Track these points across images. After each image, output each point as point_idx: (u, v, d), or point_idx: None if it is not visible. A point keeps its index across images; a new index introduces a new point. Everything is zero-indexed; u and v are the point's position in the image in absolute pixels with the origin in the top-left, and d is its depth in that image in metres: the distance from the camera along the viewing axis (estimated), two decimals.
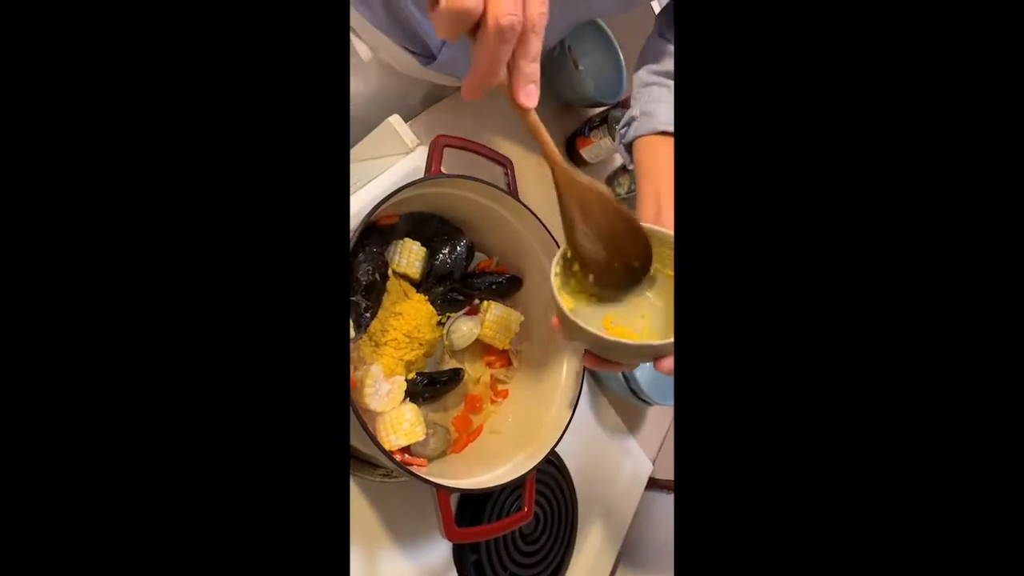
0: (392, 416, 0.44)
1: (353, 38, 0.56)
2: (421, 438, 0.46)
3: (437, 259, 0.51)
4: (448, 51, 0.53)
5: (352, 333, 0.45)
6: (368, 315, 0.46)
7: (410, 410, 0.45)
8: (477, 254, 0.55)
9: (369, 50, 0.57)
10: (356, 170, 0.58)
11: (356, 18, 0.54)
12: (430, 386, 0.50)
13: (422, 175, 0.45)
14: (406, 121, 0.56)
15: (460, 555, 0.52)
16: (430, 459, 0.48)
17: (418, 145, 0.56)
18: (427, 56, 0.54)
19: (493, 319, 0.52)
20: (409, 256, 0.49)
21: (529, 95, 0.33)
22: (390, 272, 0.49)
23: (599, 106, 0.74)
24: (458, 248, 0.52)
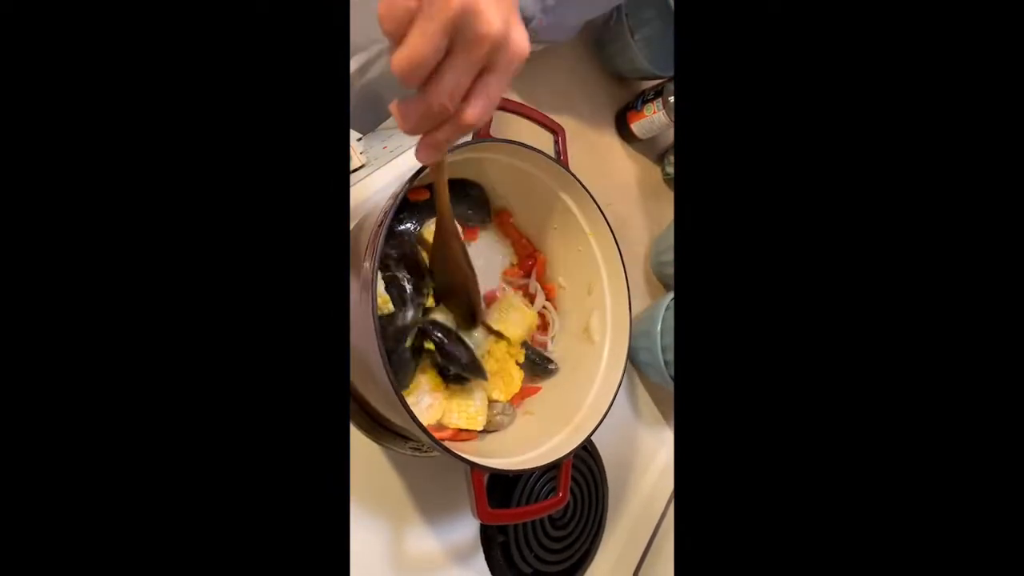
0: (459, 400, 0.44)
1: None
2: (479, 428, 0.45)
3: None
4: (546, 19, 0.51)
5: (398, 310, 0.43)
6: (410, 289, 0.43)
7: (480, 398, 0.44)
8: None
9: None
10: (398, 136, 0.56)
11: None
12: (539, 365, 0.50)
13: (464, 141, 0.43)
14: None
15: (487, 535, 0.50)
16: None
17: None
18: None
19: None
20: None
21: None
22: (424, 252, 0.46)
23: (654, 78, 0.70)
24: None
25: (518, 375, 0.49)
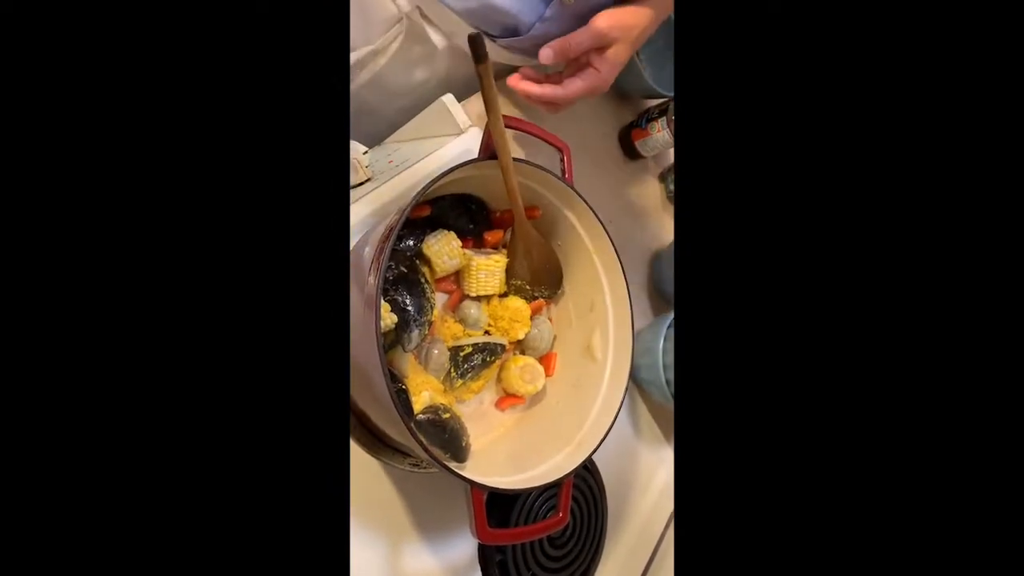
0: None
1: (428, 28, 0.55)
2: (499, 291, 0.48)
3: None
4: (541, 26, 0.52)
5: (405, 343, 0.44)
6: (412, 309, 0.44)
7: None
8: None
9: (444, 38, 0.56)
10: (404, 150, 0.57)
11: (435, 9, 0.53)
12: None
13: (471, 157, 0.43)
14: (459, 101, 0.54)
15: (485, 554, 0.50)
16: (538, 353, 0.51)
17: (470, 126, 0.54)
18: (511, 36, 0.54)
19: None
20: (449, 247, 0.46)
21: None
22: (423, 267, 0.46)
23: (658, 97, 0.70)
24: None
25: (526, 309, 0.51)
